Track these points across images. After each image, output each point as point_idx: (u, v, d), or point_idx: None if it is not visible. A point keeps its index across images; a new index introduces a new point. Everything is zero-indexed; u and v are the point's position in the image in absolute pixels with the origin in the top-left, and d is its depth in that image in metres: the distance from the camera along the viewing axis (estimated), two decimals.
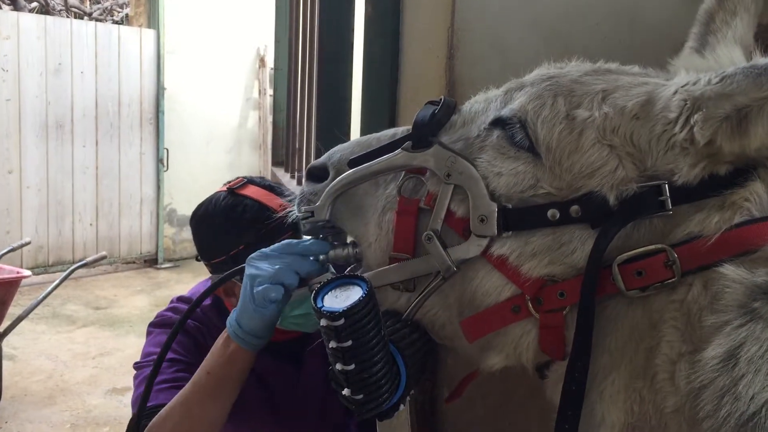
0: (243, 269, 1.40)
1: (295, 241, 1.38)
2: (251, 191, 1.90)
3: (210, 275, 2.03)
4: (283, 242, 1.39)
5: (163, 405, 1.60)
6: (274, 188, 1.96)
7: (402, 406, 1.19)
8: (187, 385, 1.56)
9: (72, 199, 9.06)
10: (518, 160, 1.06)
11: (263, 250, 1.39)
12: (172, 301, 2.13)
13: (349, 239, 1.34)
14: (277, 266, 1.34)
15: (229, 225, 1.86)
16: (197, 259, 2.01)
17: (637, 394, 0.97)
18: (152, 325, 2.06)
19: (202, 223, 1.94)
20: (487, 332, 1.09)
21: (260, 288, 1.33)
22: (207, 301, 2.08)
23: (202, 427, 1.54)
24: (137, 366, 1.94)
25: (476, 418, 1.89)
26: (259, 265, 1.36)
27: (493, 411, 1.84)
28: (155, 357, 1.88)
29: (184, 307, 2.05)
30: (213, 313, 2.01)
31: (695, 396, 0.88)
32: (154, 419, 1.57)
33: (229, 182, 1.98)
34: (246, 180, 1.96)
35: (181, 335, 1.97)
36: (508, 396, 1.79)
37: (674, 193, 0.95)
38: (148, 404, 1.59)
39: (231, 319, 1.43)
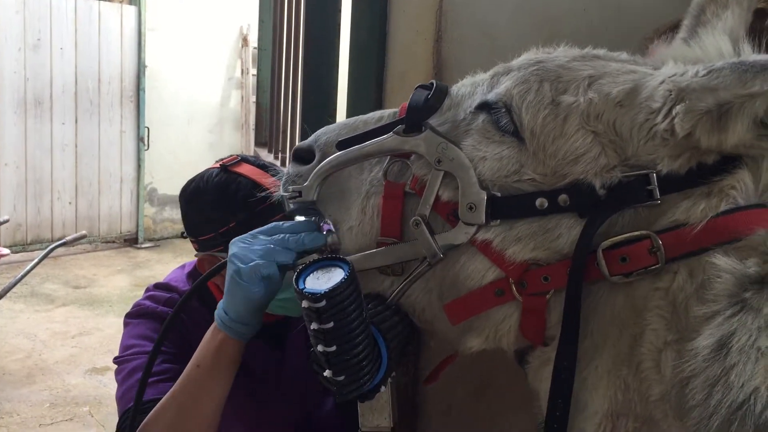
0: None
1: (282, 222, 1.35)
2: (245, 169, 1.87)
3: (192, 258, 1.99)
4: (269, 225, 1.36)
5: (154, 399, 1.56)
6: (268, 168, 1.92)
7: (383, 388, 1.19)
8: (178, 381, 1.51)
9: (51, 176, 8.94)
10: (503, 145, 1.06)
11: (251, 232, 1.35)
12: (148, 290, 2.07)
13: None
14: (268, 244, 1.30)
15: (221, 202, 1.82)
16: (182, 236, 1.97)
17: (622, 381, 0.97)
18: (129, 315, 2.00)
19: (193, 199, 1.89)
20: (470, 315, 1.09)
21: (250, 264, 1.29)
22: (185, 287, 2.04)
23: (196, 423, 1.48)
24: (117, 360, 1.89)
25: (457, 401, 1.91)
26: (247, 245, 1.32)
27: (474, 394, 1.86)
28: (135, 350, 1.85)
29: (160, 294, 2.01)
30: (195, 302, 1.95)
31: (683, 385, 0.89)
32: (147, 418, 1.52)
33: (222, 159, 1.94)
34: (240, 158, 1.92)
35: (160, 325, 1.93)
36: (489, 379, 1.81)
37: (662, 183, 0.95)
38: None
39: (218, 308, 1.40)
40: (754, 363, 0.84)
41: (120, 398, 1.79)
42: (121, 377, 1.83)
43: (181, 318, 1.89)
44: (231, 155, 1.96)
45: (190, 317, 1.91)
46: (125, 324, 1.99)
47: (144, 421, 1.52)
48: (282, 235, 1.30)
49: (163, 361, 1.77)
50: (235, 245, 1.34)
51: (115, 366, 1.90)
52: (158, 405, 1.52)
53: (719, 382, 0.85)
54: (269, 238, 1.31)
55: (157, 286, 2.05)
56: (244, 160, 1.92)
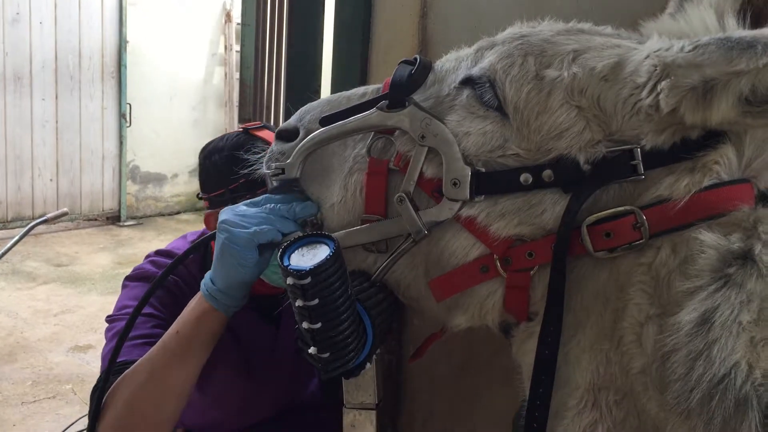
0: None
1: (275, 195, 1.33)
2: (265, 134, 1.90)
3: (188, 232, 1.99)
4: (261, 196, 1.34)
5: (135, 361, 1.55)
6: None
7: (368, 365, 1.19)
8: (156, 345, 1.50)
9: (31, 153, 8.82)
10: (486, 120, 1.06)
11: (242, 202, 1.34)
12: (149, 255, 2.07)
13: None
14: (261, 212, 1.28)
15: (235, 159, 1.81)
16: (198, 197, 2.00)
17: (604, 355, 0.98)
18: (128, 278, 2.00)
19: (210, 155, 1.93)
20: (455, 292, 1.09)
21: (247, 230, 1.27)
22: None
23: (165, 390, 1.47)
24: (110, 319, 1.88)
25: (441, 377, 1.92)
26: (239, 212, 1.30)
27: (457, 369, 1.87)
28: (129, 311, 1.84)
29: (162, 260, 2.01)
30: (195, 267, 1.96)
31: (664, 358, 0.90)
32: (120, 377, 1.51)
33: (247, 124, 1.99)
34: (262, 125, 1.96)
35: (161, 290, 1.92)
36: (472, 355, 1.81)
37: (646, 158, 0.95)
38: (120, 359, 1.55)
39: (205, 277, 1.39)
40: (735, 337, 0.85)
41: (105, 356, 1.78)
42: (110, 335, 1.82)
43: (178, 284, 1.89)
44: (256, 121, 2.00)
45: (188, 284, 1.91)
46: (123, 286, 1.98)
47: (117, 381, 1.51)
48: (273, 205, 1.29)
49: (155, 326, 1.76)
50: (226, 213, 1.31)
51: (107, 325, 1.88)
52: (133, 366, 1.51)
53: (701, 357, 0.86)
54: (261, 207, 1.29)
55: (159, 253, 2.05)
56: (265, 126, 1.95)
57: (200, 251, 1.95)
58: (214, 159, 1.91)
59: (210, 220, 1.93)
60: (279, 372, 1.99)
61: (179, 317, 1.46)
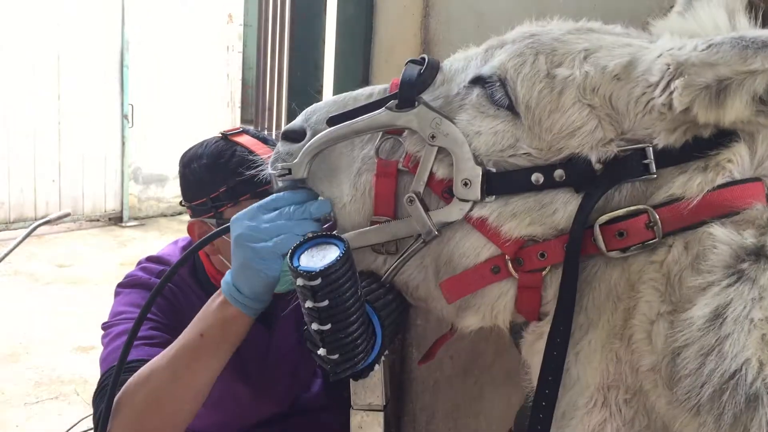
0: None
1: (281, 193, 1.31)
2: (244, 140, 1.88)
3: (179, 236, 1.98)
4: (268, 198, 1.31)
5: (139, 360, 1.55)
6: (268, 140, 1.93)
7: (377, 366, 1.19)
8: (175, 347, 1.48)
9: (33, 154, 8.83)
10: (497, 119, 1.05)
11: (250, 207, 1.31)
12: (140, 262, 2.07)
13: None
14: (276, 220, 1.26)
15: (214, 167, 1.83)
16: (181, 204, 1.98)
17: (614, 354, 0.98)
18: (121, 285, 2.00)
19: (190, 164, 1.91)
20: (467, 293, 1.09)
21: (269, 243, 1.25)
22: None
23: (188, 391, 1.47)
24: (106, 326, 1.88)
25: (444, 378, 1.91)
26: (254, 223, 1.28)
27: (461, 371, 1.87)
28: (125, 316, 1.84)
29: (153, 266, 2.01)
30: (185, 271, 1.96)
31: (675, 355, 0.90)
32: (132, 378, 1.50)
33: (226, 130, 1.96)
34: (242, 129, 1.94)
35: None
36: (475, 356, 1.81)
37: (658, 156, 0.95)
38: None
39: (226, 282, 1.36)
40: (747, 334, 0.85)
41: (104, 359, 1.78)
42: (108, 340, 1.82)
43: (171, 289, 1.89)
44: (236, 126, 1.98)
45: (181, 288, 1.91)
46: (116, 293, 1.99)
47: (130, 381, 1.50)
48: (287, 208, 1.27)
49: (151, 328, 1.77)
50: (240, 225, 1.29)
51: (102, 332, 1.89)
52: (150, 366, 1.50)
53: (713, 352, 0.86)
54: (274, 214, 1.28)
55: (150, 259, 2.05)
56: (245, 131, 1.93)
57: (197, 252, 1.94)
58: (193, 167, 1.89)
59: (193, 229, 1.92)
60: (276, 375, 1.99)
61: (200, 319, 1.44)
